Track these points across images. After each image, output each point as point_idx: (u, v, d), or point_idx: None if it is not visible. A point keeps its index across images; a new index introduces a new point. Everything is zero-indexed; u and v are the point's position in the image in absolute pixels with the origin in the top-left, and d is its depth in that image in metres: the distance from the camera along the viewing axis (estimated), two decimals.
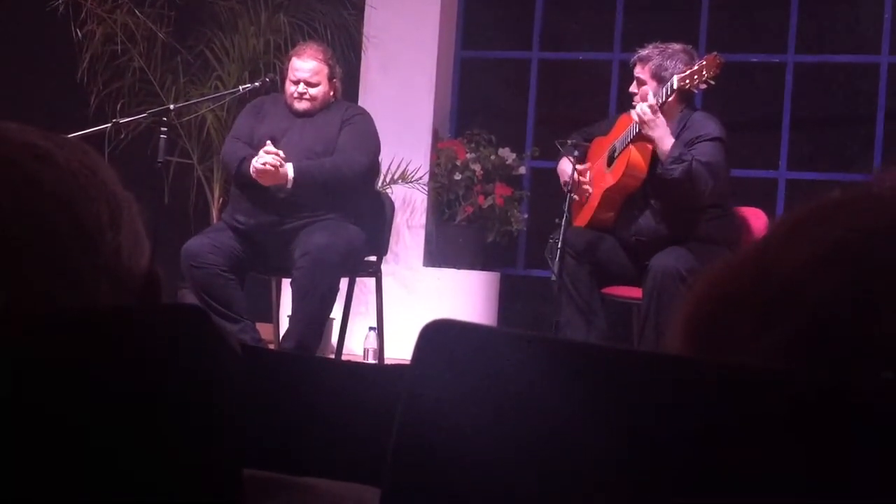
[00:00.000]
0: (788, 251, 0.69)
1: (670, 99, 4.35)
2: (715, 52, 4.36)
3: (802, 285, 0.66)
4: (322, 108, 4.76)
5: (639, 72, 4.48)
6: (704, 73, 4.27)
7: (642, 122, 4.31)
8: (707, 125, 4.41)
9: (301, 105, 4.75)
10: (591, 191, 4.58)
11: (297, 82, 4.74)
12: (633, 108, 4.45)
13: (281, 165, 4.50)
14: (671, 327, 0.74)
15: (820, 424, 0.60)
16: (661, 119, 4.30)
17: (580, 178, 4.54)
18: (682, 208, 4.37)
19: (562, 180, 4.69)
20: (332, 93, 4.80)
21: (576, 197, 4.57)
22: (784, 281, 0.67)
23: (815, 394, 0.61)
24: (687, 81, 4.29)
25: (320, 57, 4.76)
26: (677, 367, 0.65)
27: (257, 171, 4.50)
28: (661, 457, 0.62)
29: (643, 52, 4.49)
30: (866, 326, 0.64)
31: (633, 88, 4.51)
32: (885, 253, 0.66)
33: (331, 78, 4.78)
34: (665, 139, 4.30)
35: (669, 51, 4.45)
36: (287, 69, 4.85)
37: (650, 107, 4.30)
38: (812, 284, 0.66)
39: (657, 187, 4.40)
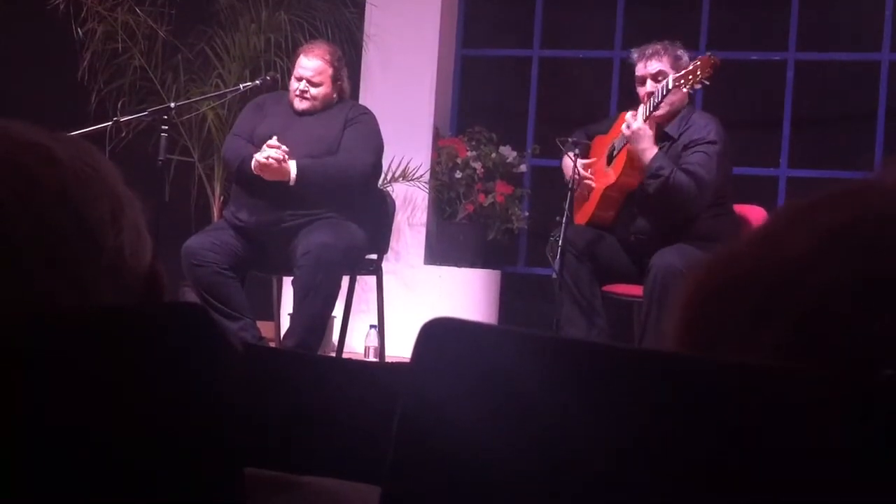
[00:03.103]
0: (788, 240, 0.68)
1: (680, 95, 4.36)
2: (709, 53, 4.35)
3: (803, 273, 0.66)
4: (323, 108, 4.76)
5: (657, 66, 4.42)
6: (699, 73, 4.26)
7: (629, 135, 4.32)
8: (705, 128, 4.39)
9: (301, 104, 4.74)
10: (594, 185, 4.57)
11: (300, 79, 4.74)
12: (646, 105, 4.42)
13: (284, 161, 4.50)
14: (669, 318, 0.73)
15: (822, 422, 0.60)
16: (645, 131, 4.30)
17: (583, 171, 4.54)
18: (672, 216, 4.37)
19: (566, 176, 4.68)
20: (335, 94, 4.79)
21: (585, 185, 4.57)
22: (784, 269, 0.66)
23: (816, 391, 0.61)
24: (682, 82, 4.28)
25: (326, 58, 4.75)
26: (678, 364, 0.65)
27: (259, 165, 4.49)
28: (662, 455, 0.62)
29: (651, 49, 4.46)
30: (868, 318, 0.64)
31: (650, 87, 4.41)
32: (887, 241, 0.65)
33: (335, 79, 4.77)
34: (647, 151, 4.30)
35: (666, 43, 4.46)
36: (294, 65, 4.85)
37: (637, 119, 4.31)
38: (813, 273, 0.65)
39: None
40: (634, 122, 4.31)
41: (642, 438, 0.62)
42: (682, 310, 0.71)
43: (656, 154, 4.30)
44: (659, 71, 4.40)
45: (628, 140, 4.35)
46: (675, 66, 4.37)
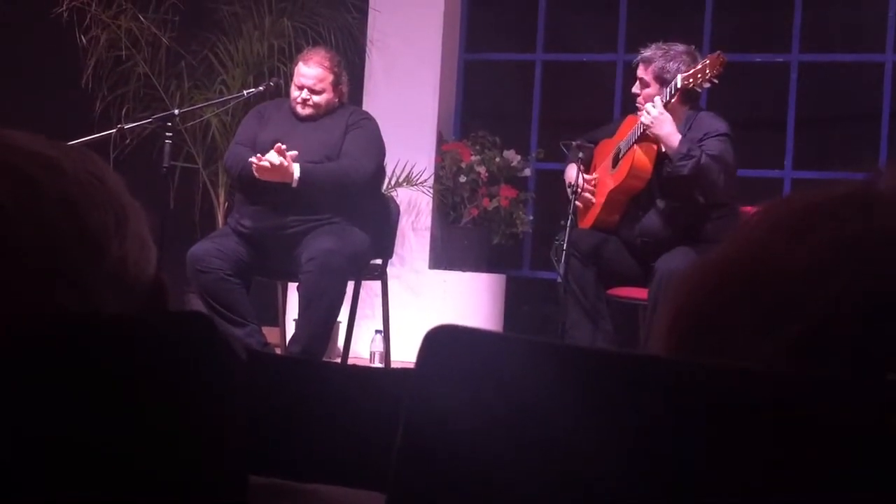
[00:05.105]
0: (791, 252, 0.67)
1: (674, 100, 4.36)
2: (718, 52, 4.36)
3: (810, 286, 0.65)
4: (326, 113, 4.77)
5: (641, 73, 4.49)
6: (708, 72, 4.27)
7: (650, 123, 4.32)
8: (714, 123, 4.42)
9: (304, 111, 4.75)
10: (594, 201, 4.60)
11: (301, 88, 4.75)
12: (637, 108, 4.46)
13: (288, 162, 4.50)
14: (659, 320, 0.72)
15: (826, 428, 0.60)
16: (667, 116, 4.31)
17: (586, 185, 4.57)
18: (691, 206, 4.37)
19: (567, 183, 4.69)
20: (337, 99, 4.80)
21: (580, 204, 4.60)
22: (788, 283, 0.66)
23: (821, 397, 0.61)
24: (690, 81, 4.29)
25: (326, 64, 4.75)
26: (685, 371, 0.65)
27: (258, 167, 4.50)
28: (668, 462, 0.62)
29: (646, 54, 4.50)
30: (874, 332, 0.64)
31: (635, 89, 4.52)
32: (892, 257, 0.65)
33: (336, 85, 4.77)
34: (673, 136, 4.30)
35: (672, 52, 4.45)
36: (294, 72, 4.86)
37: (655, 106, 4.32)
38: (820, 285, 0.65)
39: (666, 186, 4.40)
40: (654, 109, 4.31)
41: (648, 446, 0.62)
42: (675, 316, 0.71)
43: (683, 138, 4.31)
44: (640, 78, 4.47)
45: (649, 127, 4.33)
46: (659, 77, 4.40)
